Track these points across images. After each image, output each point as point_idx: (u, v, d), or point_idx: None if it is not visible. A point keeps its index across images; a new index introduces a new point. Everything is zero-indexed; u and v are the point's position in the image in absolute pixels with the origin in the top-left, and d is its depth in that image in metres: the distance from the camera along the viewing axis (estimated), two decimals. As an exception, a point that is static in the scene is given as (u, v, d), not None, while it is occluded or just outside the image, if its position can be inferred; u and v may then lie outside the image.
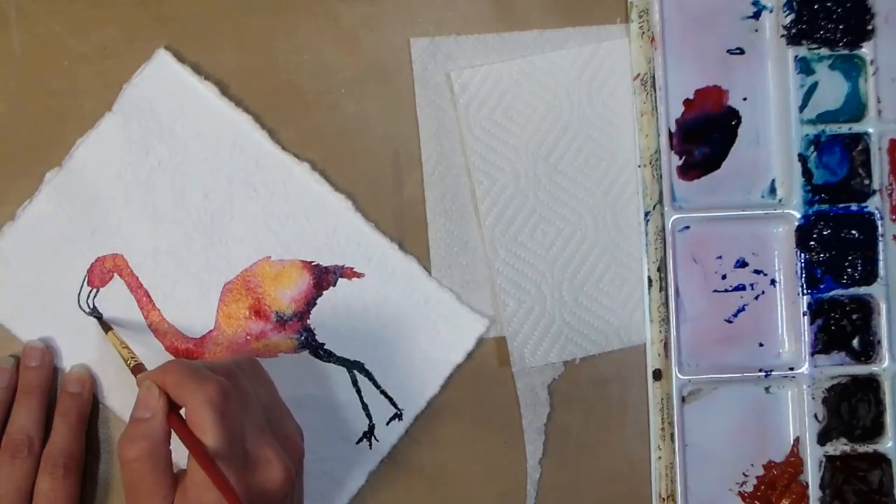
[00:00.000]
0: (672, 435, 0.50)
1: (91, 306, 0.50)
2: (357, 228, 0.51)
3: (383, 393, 0.51)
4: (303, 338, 0.50)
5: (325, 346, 0.50)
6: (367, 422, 0.50)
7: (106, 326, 0.49)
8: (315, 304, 0.51)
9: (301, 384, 0.50)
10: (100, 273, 0.50)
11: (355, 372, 0.50)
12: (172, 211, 0.50)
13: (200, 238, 0.50)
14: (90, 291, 0.50)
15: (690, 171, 0.52)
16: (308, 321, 0.50)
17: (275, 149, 0.50)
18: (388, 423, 0.51)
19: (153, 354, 0.49)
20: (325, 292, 0.51)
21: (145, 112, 0.50)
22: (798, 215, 0.51)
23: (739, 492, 0.51)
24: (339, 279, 0.51)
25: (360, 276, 0.51)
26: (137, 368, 0.45)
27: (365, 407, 0.51)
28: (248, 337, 0.50)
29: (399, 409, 0.51)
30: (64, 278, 0.50)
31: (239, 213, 0.50)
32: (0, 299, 0.49)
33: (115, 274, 0.50)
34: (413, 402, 0.51)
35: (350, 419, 0.50)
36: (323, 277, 0.51)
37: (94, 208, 0.50)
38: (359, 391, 0.50)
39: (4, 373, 0.48)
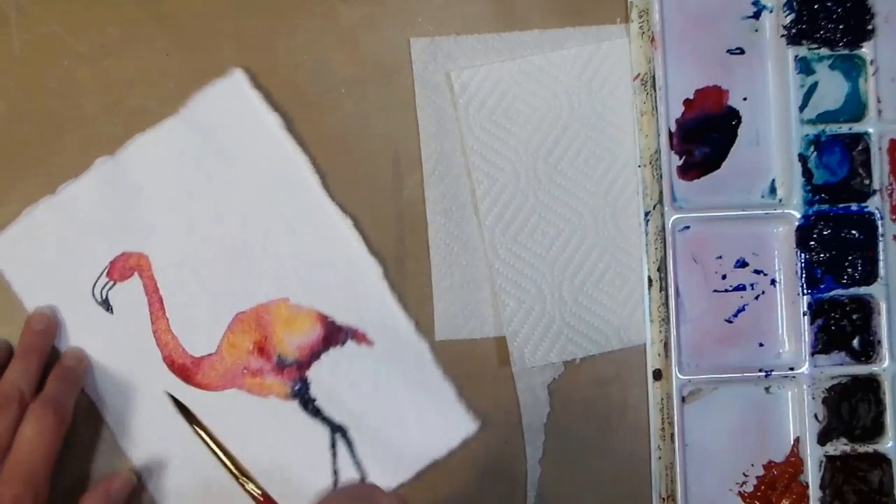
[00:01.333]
0: (672, 435, 0.50)
1: (104, 297, 0.50)
2: (380, 296, 0.50)
3: (357, 464, 0.50)
4: (297, 387, 0.50)
5: (316, 402, 0.50)
6: (332, 487, 0.50)
7: (191, 417, 0.49)
8: (319, 357, 0.50)
9: (280, 430, 0.50)
10: (121, 268, 0.50)
11: (337, 435, 0.50)
12: (208, 228, 0.50)
13: (227, 262, 0.50)
14: (107, 283, 0.50)
15: (690, 171, 0.52)
16: (307, 372, 0.50)
17: (323, 196, 0.50)
18: None
19: (148, 360, 0.50)
20: (331, 349, 0.50)
21: (207, 126, 0.50)
22: (798, 215, 0.51)
23: (739, 492, 0.51)
24: (349, 340, 0.51)
25: (369, 343, 0.51)
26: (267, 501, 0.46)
27: (335, 471, 0.50)
28: (245, 371, 0.50)
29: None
30: (85, 263, 0.50)
31: (272, 247, 0.50)
32: (20, 267, 0.50)
33: (136, 273, 0.50)
34: (382, 482, 0.50)
35: (316, 479, 0.50)
36: (334, 334, 0.50)
37: (133, 204, 0.50)
38: (334, 454, 0.50)
39: None
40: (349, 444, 0.50)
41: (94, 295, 0.50)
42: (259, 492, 0.49)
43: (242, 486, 0.49)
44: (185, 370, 0.50)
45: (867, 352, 0.51)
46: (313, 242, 0.50)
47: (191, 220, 0.50)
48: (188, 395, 0.50)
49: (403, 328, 0.51)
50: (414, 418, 0.50)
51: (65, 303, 0.50)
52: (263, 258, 0.50)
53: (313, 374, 0.50)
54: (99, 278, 0.50)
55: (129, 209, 0.50)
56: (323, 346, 0.50)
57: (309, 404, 0.50)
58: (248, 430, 0.50)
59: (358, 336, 0.51)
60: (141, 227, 0.50)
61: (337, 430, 0.50)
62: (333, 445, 0.50)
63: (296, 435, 0.50)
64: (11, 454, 0.45)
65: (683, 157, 0.52)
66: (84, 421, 0.50)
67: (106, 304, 0.50)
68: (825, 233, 0.51)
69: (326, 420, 0.50)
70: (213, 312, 0.50)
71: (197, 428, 0.49)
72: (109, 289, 0.50)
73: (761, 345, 0.52)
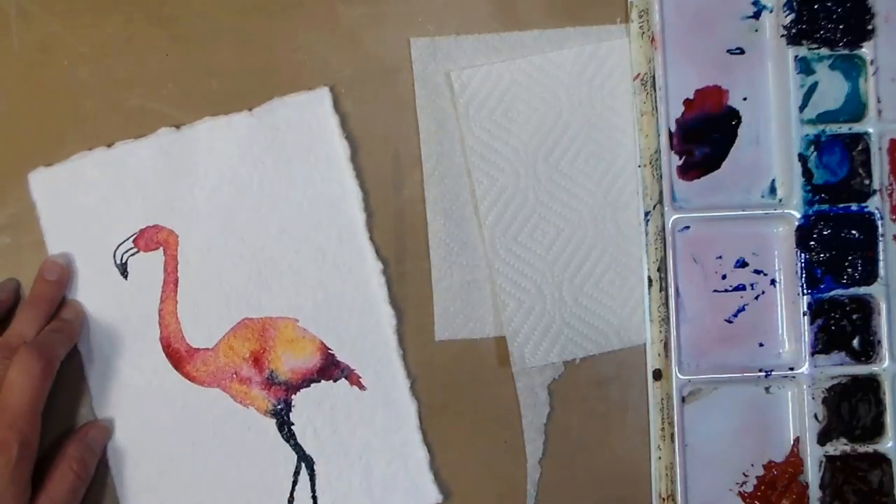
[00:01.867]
0: (672, 435, 0.50)
1: (123, 261, 0.50)
2: (387, 347, 0.51)
3: (314, 498, 0.50)
4: (279, 407, 0.50)
5: (292, 427, 0.50)
6: None
7: None
8: (309, 385, 0.50)
9: (249, 444, 0.50)
10: (149, 239, 0.50)
11: (302, 465, 0.50)
12: (244, 227, 0.50)
13: (251, 266, 0.50)
14: (131, 248, 0.50)
15: (690, 170, 0.52)
16: (293, 396, 0.50)
17: (364, 234, 0.50)
18: None
19: (145, 335, 0.50)
20: (323, 381, 0.51)
21: (277, 131, 0.50)
22: (798, 215, 0.51)
23: (739, 492, 0.51)
24: (343, 379, 0.51)
25: (362, 388, 0.51)
26: None
27: (290, 499, 0.50)
28: (235, 375, 0.50)
29: None
30: (116, 223, 0.50)
31: (297, 267, 0.50)
32: (54, 204, 0.50)
33: (161, 248, 0.50)
34: None
35: (270, 501, 0.50)
36: (330, 368, 0.50)
37: (181, 182, 0.50)
38: (294, 482, 0.50)
39: (6, 290, 0.49)
40: (312, 477, 0.50)
41: (114, 256, 0.50)
42: None
43: None
44: (177, 356, 0.50)
45: (867, 352, 0.51)
46: (339, 275, 0.50)
47: (230, 215, 0.50)
48: (174, 380, 0.50)
49: (400, 384, 0.51)
50: (381, 472, 0.50)
51: (84, 254, 0.50)
52: (287, 274, 0.50)
53: (298, 399, 0.50)
54: (124, 242, 0.50)
55: (176, 186, 0.50)
56: (316, 376, 0.50)
57: (285, 427, 0.50)
58: (218, 433, 0.50)
59: (353, 377, 0.51)
60: (181, 206, 0.50)
61: (304, 460, 0.50)
62: (296, 473, 0.50)
63: (263, 453, 0.50)
64: None
65: (683, 157, 0.52)
66: (66, 386, 0.50)
67: (123, 269, 0.50)
68: (825, 233, 0.51)
69: (297, 447, 0.50)
70: (222, 310, 0.50)
71: None
72: (131, 255, 0.50)
73: (761, 345, 0.52)
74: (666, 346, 0.51)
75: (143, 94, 0.50)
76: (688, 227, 0.51)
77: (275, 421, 0.50)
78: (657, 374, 0.52)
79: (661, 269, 0.51)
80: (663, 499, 0.52)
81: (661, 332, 0.52)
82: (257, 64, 0.51)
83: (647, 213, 0.52)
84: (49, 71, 0.50)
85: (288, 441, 0.50)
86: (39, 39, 0.50)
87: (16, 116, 0.50)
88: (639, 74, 0.52)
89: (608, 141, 0.52)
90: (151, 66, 0.51)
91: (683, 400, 0.51)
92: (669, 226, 0.50)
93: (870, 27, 0.51)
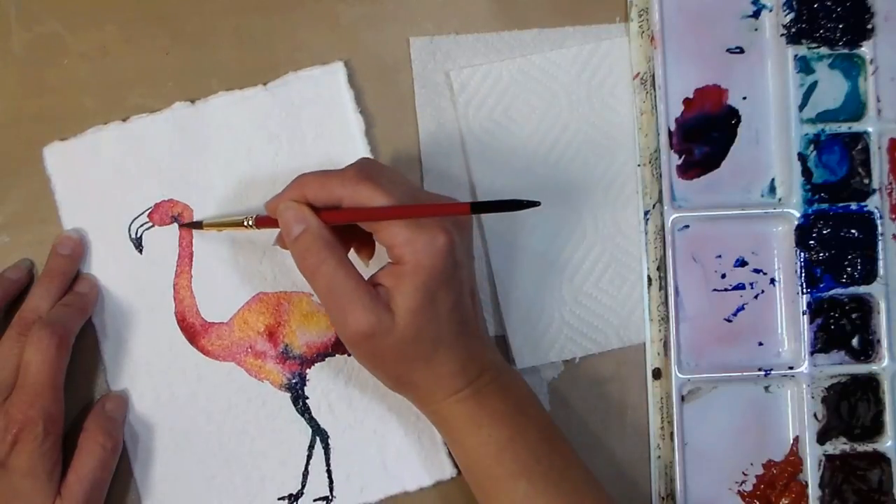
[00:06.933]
0: (671, 434, 0.50)
1: (138, 235, 0.50)
2: None
3: (328, 472, 0.50)
4: (294, 381, 0.50)
5: (307, 401, 0.50)
6: (299, 487, 0.50)
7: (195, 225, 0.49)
8: (324, 360, 0.50)
9: (264, 418, 0.50)
10: (164, 213, 0.50)
11: (317, 439, 0.50)
12: (259, 202, 0.49)
13: (266, 240, 0.50)
14: (146, 223, 0.50)
15: (690, 170, 0.52)
16: (307, 370, 0.50)
17: None
18: (315, 501, 0.50)
19: (160, 309, 0.50)
20: (338, 355, 0.51)
21: (292, 106, 0.50)
22: (798, 214, 0.51)
23: (739, 491, 0.51)
24: None
25: None
26: (259, 221, 0.46)
27: (305, 473, 0.50)
28: (249, 350, 0.50)
29: (332, 496, 0.50)
30: (131, 197, 0.50)
31: None
32: (69, 179, 0.50)
33: (177, 223, 0.50)
34: (348, 498, 0.50)
35: (284, 475, 0.50)
36: None
37: (196, 156, 0.50)
38: (309, 456, 0.50)
39: (20, 269, 0.49)
40: (326, 451, 0.50)
41: (129, 230, 0.50)
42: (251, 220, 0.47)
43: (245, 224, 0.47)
44: (192, 330, 0.50)
45: (866, 351, 0.51)
46: None
47: (245, 189, 0.50)
48: (189, 354, 0.50)
49: None
50: (396, 446, 0.50)
51: (98, 229, 0.50)
52: None
53: (313, 373, 0.50)
54: (139, 216, 0.50)
55: (191, 160, 0.50)
56: (331, 350, 0.51)
57: (300, 401, 0.50)
58: (233, 407, 0.50)
59: None
60: (196, 180, 0.50)
61: (319, 433, 0.50)
62: (311, 447, 0.50)
63: (278, 427, 0.50)
64: (18, 379, 0.45)
65: (683, 157, 0.52)
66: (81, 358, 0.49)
67: (138, 243, 0.50)
68: (825, 232, 0.51)
69: (311, 421, 0.50)
70: (236, 284, 0.50)
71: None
72: (146, 230, 0.50)
73: (761, 344, 0.52)
74: (665, 345, 0.51)
75: (143, 94, 0.50)
76: (687, 227, 0.51)
77: (289, 395, 0.50)
78: (657, 373, 0.52)
79: (661, 268, 0.51)
80: (663, 498, 0.52)
81: (660, 331, 0.52)
82: (257, 64, 0.51)
83: (646, 212, 0.52)
84: (49, 71, 0.50)
85: (303, 415, 0.50)
86: (39, 38, 0.50)
87: (16, 116, 0.50)
88: (638, 73, 0.52)
89: (608, 140, 0.52)
90: (151, 66, 0.51)
91: (683, 399, 0.51)
92: (669, 225, 0.51)
93: (869, 26, 0.51)
